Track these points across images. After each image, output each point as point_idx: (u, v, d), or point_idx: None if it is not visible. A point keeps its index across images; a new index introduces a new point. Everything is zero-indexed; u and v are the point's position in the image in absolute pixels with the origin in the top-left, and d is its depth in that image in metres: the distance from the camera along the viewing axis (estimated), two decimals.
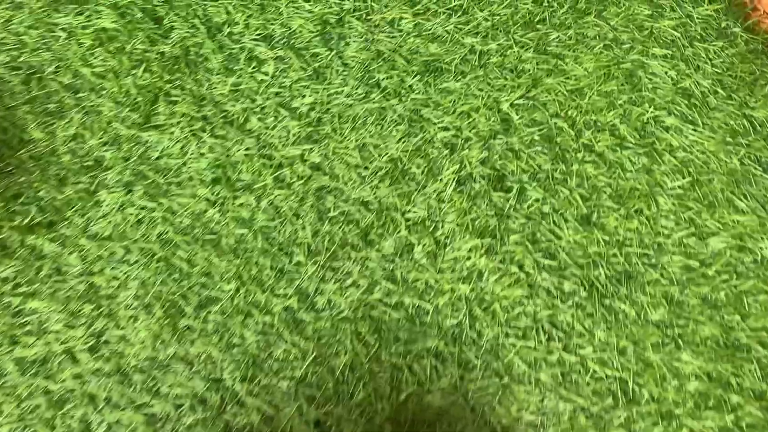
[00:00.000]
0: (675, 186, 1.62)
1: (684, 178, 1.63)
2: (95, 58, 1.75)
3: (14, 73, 1.74)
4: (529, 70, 1.71)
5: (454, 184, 1.64)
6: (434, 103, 1.70)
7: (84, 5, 1.78)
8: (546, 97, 1.69)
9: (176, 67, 1.74)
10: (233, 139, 1.69)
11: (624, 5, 1.72)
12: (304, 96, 1.72)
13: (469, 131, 1.68)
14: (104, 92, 1.73)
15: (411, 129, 1.69)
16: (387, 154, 1.67)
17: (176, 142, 1.69)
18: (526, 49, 1.72)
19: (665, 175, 1.63)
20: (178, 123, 1.70)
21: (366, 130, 1.69)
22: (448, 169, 1.66)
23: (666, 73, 1.68)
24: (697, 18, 1.72)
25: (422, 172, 1.66)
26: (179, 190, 1.67)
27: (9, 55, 1.76)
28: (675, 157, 1.64)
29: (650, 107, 1.67)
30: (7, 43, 1.77)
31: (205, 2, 1.77)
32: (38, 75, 1.74)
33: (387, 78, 1.71)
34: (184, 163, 1.68)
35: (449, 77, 1.71)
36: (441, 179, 1.65)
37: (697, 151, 1.64)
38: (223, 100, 1.72)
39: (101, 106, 1.73)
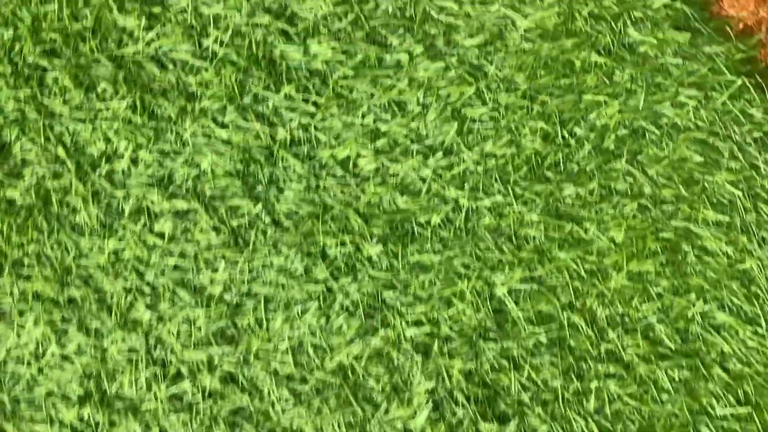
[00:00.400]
0: (726, 413, 1.19)
1: (739, 402, 1.19)
2: None
3: None
4: (535, 239, 1.23)
5: (427, 408, 1.17)
6: (402, 283, 1.21)
7: None
8: (556, 279, 1.22)
9: (29, 223, 1.20)
10: (110, 336, 1.18)
11: (667, 146, 1.24)
12: (215, 270, 1.20)
13: (450, 328, 1.20)
14: None
15: (369, 322, 1.20)
16: (333, 359, 1.19)
17: (28, 340, 1.17)
18: (531, 208, 1.23)
19: (714, 397, 1.19)
20: (31, 310, 1.18)
21: (304, 322, 1.19)
22: (419, 384, 1.18)
23: (720, 248, 1.22)
24: (766, 170, 1.25)
25: (383, 389, 1.18)
26: (31, 412, 1.16)
27: None
28: (727, 372, 1.20)
29: (697, 298, 1.21)
30: None
31: (75, 121, 1.21)
32: None
33: (337, 245, 1.21)
34: (40, 371, 1.17)
35: (424, 246, 1.22)
36: (409, 400, 1.18)
37: (758, 362, 1.20)
38: (98, 276, 1.19)
39: None
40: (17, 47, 1.24)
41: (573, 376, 1.20)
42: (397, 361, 1.20)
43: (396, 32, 1.27)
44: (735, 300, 1.22)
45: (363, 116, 1.24)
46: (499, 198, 1.23)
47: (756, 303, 1.22)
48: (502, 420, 1.18)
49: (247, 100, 1.24)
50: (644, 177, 1.25)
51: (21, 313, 1.18)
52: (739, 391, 1.20)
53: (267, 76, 1.24)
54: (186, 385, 1.17)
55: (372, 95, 1.24)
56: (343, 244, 1.22)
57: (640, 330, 1.21)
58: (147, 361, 1.18)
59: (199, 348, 1.18)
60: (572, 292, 1.22)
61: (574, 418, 1.18)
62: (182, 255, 1.20)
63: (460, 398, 1.18)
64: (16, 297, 1.18)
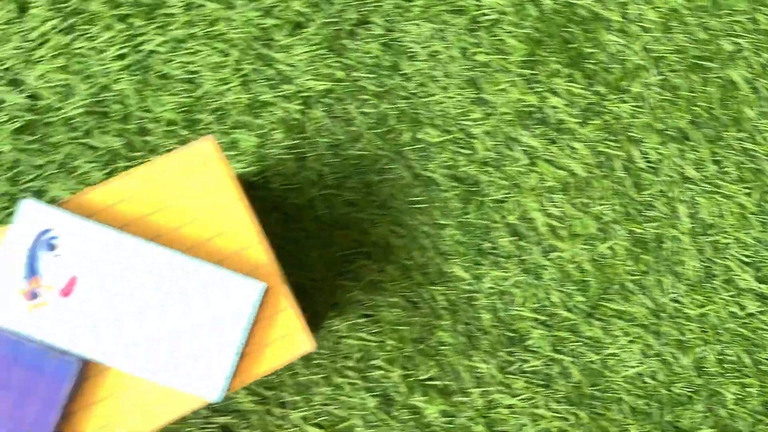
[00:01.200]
0: None
1: None
2: (552, 204, 1.42)
3: (454, 183, 1.41)
4: None
5: None
6: None
7: (559, 135, 1.44)
8: None
9: (641, 255, 1.42)
10: (676, 371, 1.39)
11: None
12: None
13: None
14: (554, 254, 1.41)
15: None
16: None
17: (618, 350, 1.39)
18: None
19: None
20: (627, 327, 1.40)
21: None
22: None
23: None
24: None
25: None
26: (602, 395, 1.37)
27: (461, 155, 1.41)
28: None
29: None
30: (459, 141, 1.43)
31: (709, 184, 1.44)
32: (480, 197, 1.42)
33: None
34: (616, 373, 1.38)
35: None
36: None
37: None
38: (682, 320, 1.41)
39: (546, 270, 1.41)
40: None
41: None
42: None
43: None
44: None
45: None
46: None
47: None
48: None
49: None
50: None
51: (615, 325, 1.40)
52: None
53: None
54: None
55: None
56: None
57: None
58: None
59: (752, 413, 1.39)
60: None
61: None
62: (755, 330, 1.41)
63: None
64: (613, 312, 1.40)
